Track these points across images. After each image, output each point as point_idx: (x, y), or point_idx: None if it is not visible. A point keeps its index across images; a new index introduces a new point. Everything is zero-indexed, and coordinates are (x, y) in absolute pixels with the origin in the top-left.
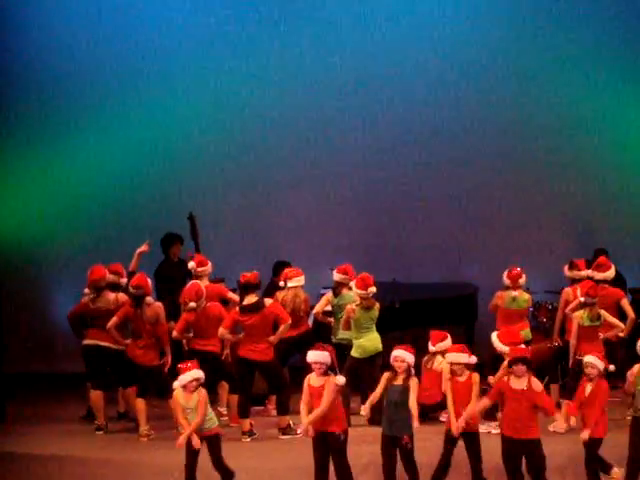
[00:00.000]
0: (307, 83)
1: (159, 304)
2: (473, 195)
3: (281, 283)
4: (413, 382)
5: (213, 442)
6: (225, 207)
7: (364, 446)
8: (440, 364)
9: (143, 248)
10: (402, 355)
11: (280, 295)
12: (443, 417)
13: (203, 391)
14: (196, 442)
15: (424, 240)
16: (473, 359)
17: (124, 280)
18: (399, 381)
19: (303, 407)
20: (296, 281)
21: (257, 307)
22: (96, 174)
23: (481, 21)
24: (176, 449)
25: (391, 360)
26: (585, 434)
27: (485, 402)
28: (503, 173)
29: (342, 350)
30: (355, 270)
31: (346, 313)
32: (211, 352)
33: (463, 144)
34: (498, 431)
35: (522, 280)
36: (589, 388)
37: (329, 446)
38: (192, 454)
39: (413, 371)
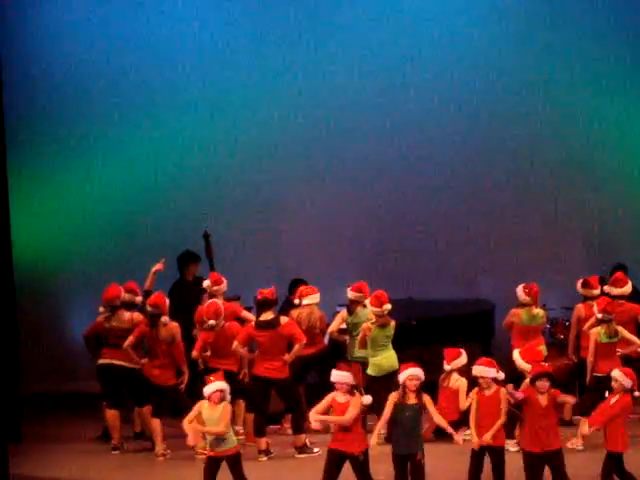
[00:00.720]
0: (323, 102)
1: (175, 324)
2: (488, 211)
3: (296, 301)
4: (427, 399)
5: (234, 461)
6: (240, 225)
7: (380, 465)
8: (456, 382)
9: (158, 266)
10: (417, 373)
11: (295, 313)
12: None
13: (228, 406)
14: (191, 439)
15: (440, 257)
16: (501, 375)
17: (139, 299)
18: (411, 400)
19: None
20: (311, 299)
21: (273, 324)
22: (112, 193)
23: (493, 31)
24: (193, 468)
25: (404, 379)
26: (585, 427)
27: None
28: (518, 189)
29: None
30: (371, 288)
31: (362, 331)
32: (228, 371)
33: (477, 159)
34: (517, 448)
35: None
36: (613, 400)
37: (352, 467)
38: (210, 474)
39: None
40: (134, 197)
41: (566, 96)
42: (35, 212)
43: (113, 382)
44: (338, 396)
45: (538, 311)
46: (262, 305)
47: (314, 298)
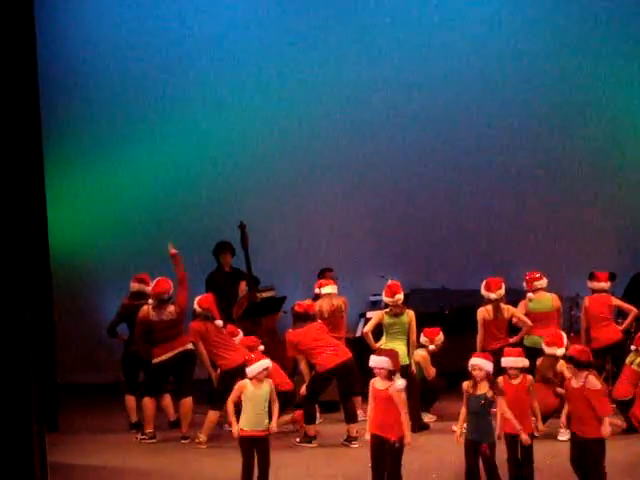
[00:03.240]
0: (352, 96)
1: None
2: (519, 201)
3: (316, 290)
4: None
5: (262, 443)
6: (275, 215)
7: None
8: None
9: (172, 251)
10: (480, 363)
11: (317, 305)
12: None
13: (270, 380)
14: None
15: (473, 247)
16: (525, 362)
17: (149, 288)
18: (481, 390)
19: (369, 410)
20: (329, 289)
21: (312, 317)
22: (147, 184)
23: (509, 29)
24: (229, 455)
25: (469, 368)
26: None
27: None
28: (548, 179)
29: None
30: (405, 277)
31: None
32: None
33: (507, 150)
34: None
35: (539, 283)
36: None
37: (386, 452)
38: (248, 455)
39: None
40: (169, 188)
41: (600, 90)
42: (69, 204)
43: (166, 374)
44: (377, 382)
45: (540, 296)
46: (302, 318)
47: (332, 288)
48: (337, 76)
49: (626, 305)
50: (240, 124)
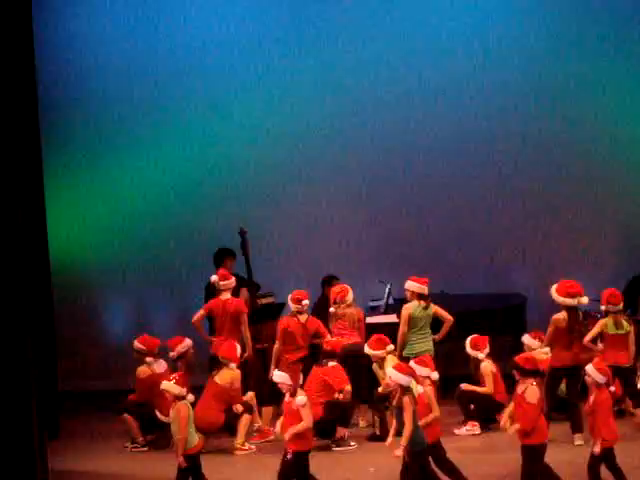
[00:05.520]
0: (348, 100)
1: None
2: (521, 205)
3: (331, 310)
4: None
5: (192, 459)
6: (275, 221)
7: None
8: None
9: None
10: (388, 372)
11: (338, 323)
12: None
13: (180, 406)
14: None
15: (472, 251)
16: (435, 375)
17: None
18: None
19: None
20: (347, 300)
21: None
22: (148, 191)
23: (505, 26)
24: (230, 464)
25: None
26: (597, 447)
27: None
28: (550, 181)
29: None
30: (403, 283)
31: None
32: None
33: (509, 152)
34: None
35: None
36: (591, 399)
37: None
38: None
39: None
40: (169, 195)
41: (602, 90)
42: (74, 209)
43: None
44: (287, 396)
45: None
46: (328, 355)
47: (349, 298)
48: (339, 82)
49: None
50: (241, 130)
